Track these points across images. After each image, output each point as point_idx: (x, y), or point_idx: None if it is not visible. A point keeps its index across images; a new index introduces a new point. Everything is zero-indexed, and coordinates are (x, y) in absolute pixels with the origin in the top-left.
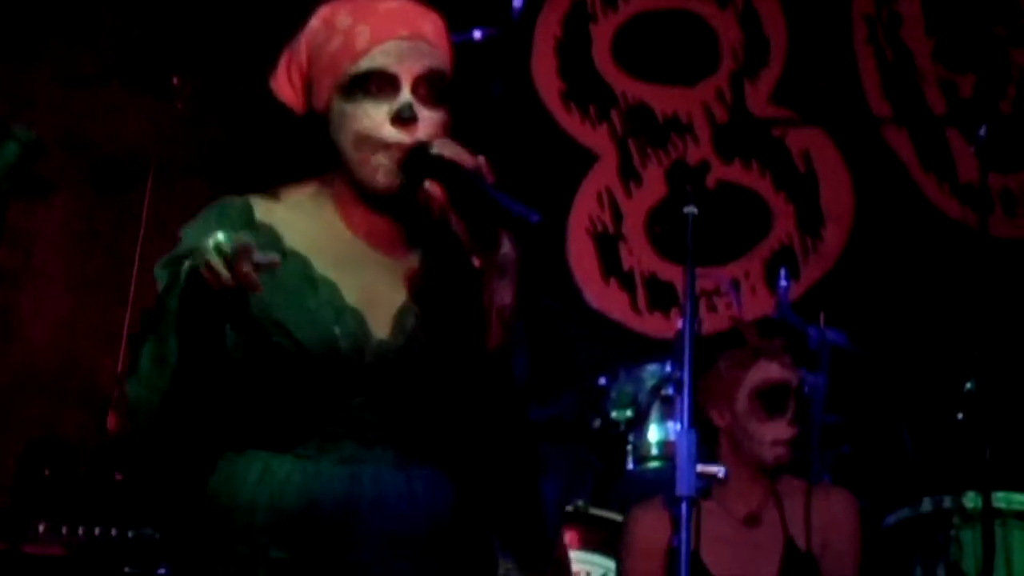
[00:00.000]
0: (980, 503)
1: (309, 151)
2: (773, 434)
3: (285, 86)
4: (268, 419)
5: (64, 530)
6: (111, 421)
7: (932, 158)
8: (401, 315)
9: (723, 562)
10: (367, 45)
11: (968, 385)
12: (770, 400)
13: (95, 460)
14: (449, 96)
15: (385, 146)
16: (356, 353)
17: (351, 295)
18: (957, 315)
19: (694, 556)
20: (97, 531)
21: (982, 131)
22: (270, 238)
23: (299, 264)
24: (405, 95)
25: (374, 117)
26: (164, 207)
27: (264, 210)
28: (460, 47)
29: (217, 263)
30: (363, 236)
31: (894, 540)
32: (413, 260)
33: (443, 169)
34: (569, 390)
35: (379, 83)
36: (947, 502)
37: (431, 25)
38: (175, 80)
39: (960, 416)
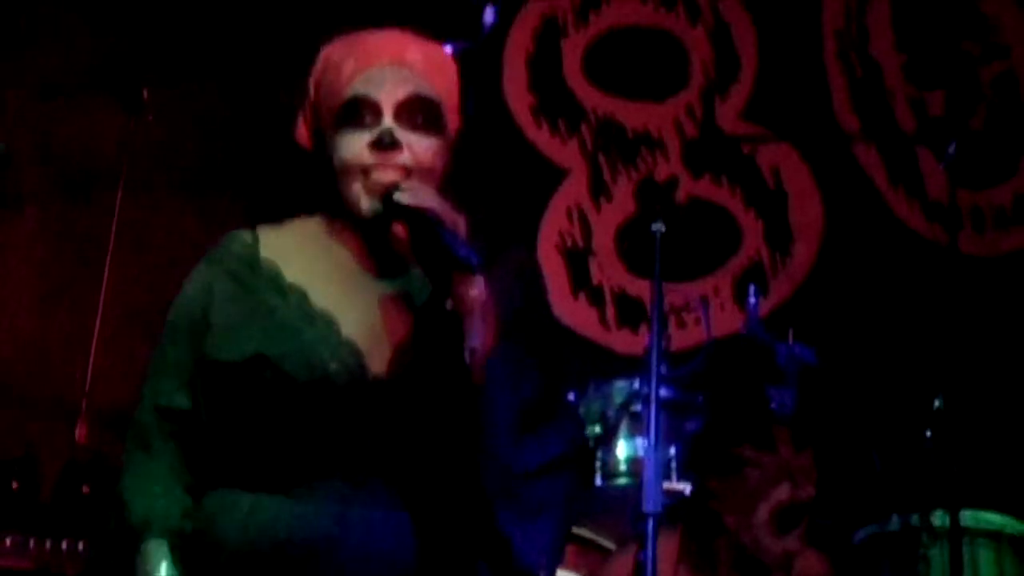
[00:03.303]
0: (948, 521)
1: (312, 186)
2: (782, 549)
3: (302, 130)
4: (261, 457)
5: (31, 543)
6: (80, 433)
7: (901, 175)
8: (400, 350)
9: None
10: (351, 76)
11: (936, 403)
12: (790, 519)
13: (64, 472)
14: (439, 123)
15: (364, 171)
16: (352, 388)
17: (350, 329)
18: (926, 332)
19: None
20: (64, 545)
21: (951, 148)
22: (271, 275)
23: (298, 299)
24: (386, 121)
25: (355, 145)
26: (134, 218)
27: (272, 242)
28: None
29: None
30: (361, 264)
31: (862, 557)
32: (411, 283)
33: (405, 213)
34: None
35: (362, 111)
36: (915, 520)
37: (420, 54)
38: (145, 92)
39: (928, 434)
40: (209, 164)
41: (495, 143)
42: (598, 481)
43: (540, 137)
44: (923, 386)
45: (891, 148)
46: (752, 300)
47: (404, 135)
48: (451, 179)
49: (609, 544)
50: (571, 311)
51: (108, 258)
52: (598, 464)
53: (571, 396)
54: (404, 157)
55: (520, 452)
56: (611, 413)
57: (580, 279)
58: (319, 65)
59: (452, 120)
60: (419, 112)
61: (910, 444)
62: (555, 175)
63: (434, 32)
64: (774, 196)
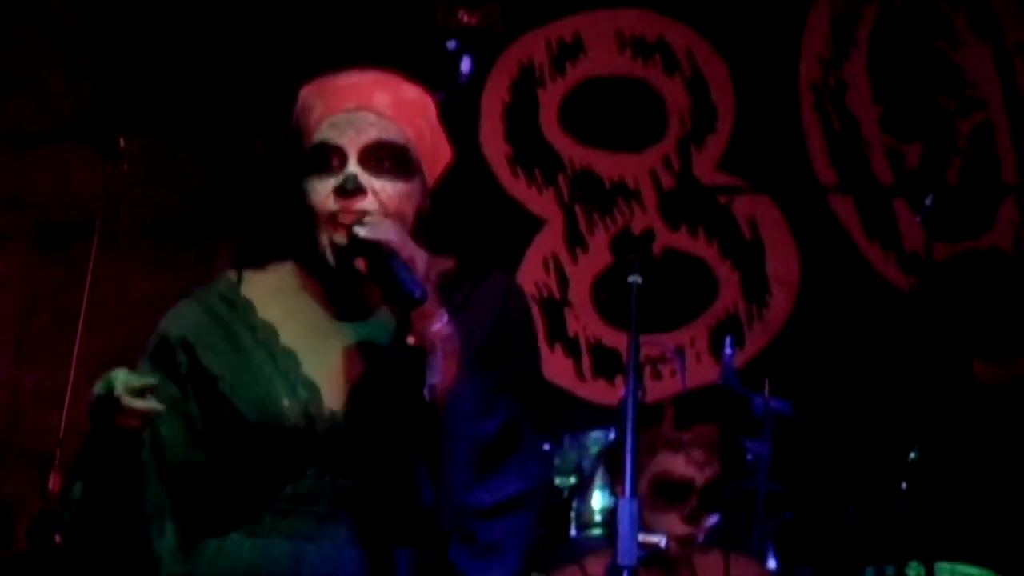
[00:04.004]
0: (923, 573)
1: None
2: (665, 526)
3: (287, 164)
4: (226, 495)
5: None
6: (53, 482)
7: (878, 227)
8: (358, 386)
9: None
10: (319, 120)
11: (912, 455)
12: (666, 493)
13: (37, 522)
14: (408, 167)
15: (330, 217)
16: (306, 425)
17: (312, 366)
18: (902, 384)
19: None
20: None
21: (928, 200)
22: (246, 312)
23: (266, 335)
24: (350, 167)
25: (320, 192)
26: (110, 267)
27: (253, 283)
28: None
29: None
30: (326, 308)
31: None
32: (376, 326)
33: (364, 248)
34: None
35: (327, 157)
36: (890, 572)
37: (388, 97)
38: (121, 140)
39: (904, 486)
40: (185, 215)
41: (472, 193)
42: (573, 531)
43: (517, 187)
44: (898, 438)
45: (867, 200)
46: (728, 351)
47: (369, 180)
48: (430, 221)
49: None
50: (547, 362)
51: (83, 308)
52: (573, 514)
53: (546, 446)
54: (369, 203)
55: (478, 488)
56: (586, 464)
57: (556, 330)
58: (297, 104)
59: (428, 162)
60: (385, 157)
61: (885, 496)
62: (532, 225)
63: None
64: (750, 247)
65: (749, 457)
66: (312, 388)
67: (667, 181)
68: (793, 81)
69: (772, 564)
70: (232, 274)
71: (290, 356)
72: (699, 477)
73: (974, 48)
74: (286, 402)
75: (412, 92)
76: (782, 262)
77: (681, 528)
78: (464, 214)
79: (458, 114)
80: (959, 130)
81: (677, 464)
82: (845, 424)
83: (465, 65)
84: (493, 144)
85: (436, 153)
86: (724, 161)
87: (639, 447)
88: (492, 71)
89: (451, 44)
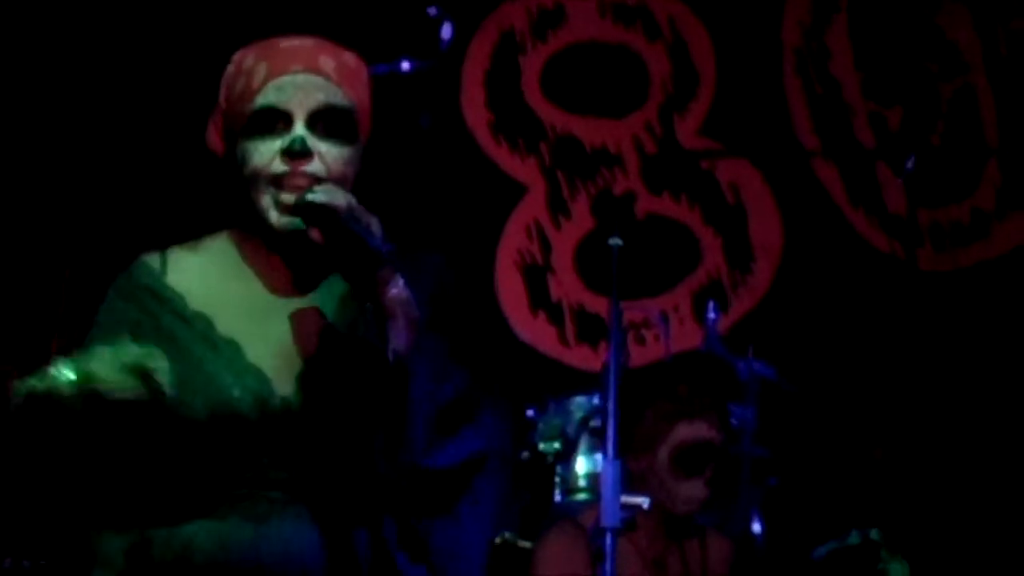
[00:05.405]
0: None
1: (226, 196)
2: (688, 492)
3: (213, 136)
4: (177, 487)
5: None
6: None
7: (861, 192)
8: (306, 367)
9: None
10: (262, 82)
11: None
12: (690, 459)
13: None
14: (352, 132)
15: (275, 179)
16: (259, 413)
17: (255, 352)
18: (886, 348)
19: None
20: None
21: (909, 163)
22: (175, 303)
23: (202, 326)
24: (298, 129)
25: (265, 153)
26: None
27: (181, 266)
28: (388, 78)
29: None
30: (268, 283)
31: (823, 573)
32: (322, 298)
33: (317, 212)
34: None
35: (273, 119)
36: (874, 534)
37: (334, 61)
38: None
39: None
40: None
41: (454, 160)
42: (558, 497)
43: (499, 154)
44: (882, 401)
45: (850, 164)
46: (712, 316)
47: (316, 143)
48: (361, 183)
49: None
50: (530, 328)
51: (60, 306)
52: (557, 480)
53: (530, 412)
54: (315, 165)
55: (435, 452)
56: (570, 429)
57: (539, 296)
58: (231, 69)
59: (364, 127)
60: (331, 121)
61: (869, 459)
62: (514, 192)
63: (393, 49)
64: (733, 212)
65: (734, 422)
66: (260, 376)
67: (649, 147)
68: (775, 46)
69: (757, 529)
70: (154, 260)
71: (232, 345)
72: (717, 439)
73: (955, 12)
74: (236, 392)
75: (351, 59)
76: (765, 227)
77: (703, 492)
78: (447, 182)
79: (439, 81)
80: (942, 93)
81: (700, 429)
82: (830, 388)
83: (446, 32)
84: (475, 111)
85: (368, 119)
86: (706, 127)
87: (655, 417)
88: (474, 38)
89: (432, 11)
